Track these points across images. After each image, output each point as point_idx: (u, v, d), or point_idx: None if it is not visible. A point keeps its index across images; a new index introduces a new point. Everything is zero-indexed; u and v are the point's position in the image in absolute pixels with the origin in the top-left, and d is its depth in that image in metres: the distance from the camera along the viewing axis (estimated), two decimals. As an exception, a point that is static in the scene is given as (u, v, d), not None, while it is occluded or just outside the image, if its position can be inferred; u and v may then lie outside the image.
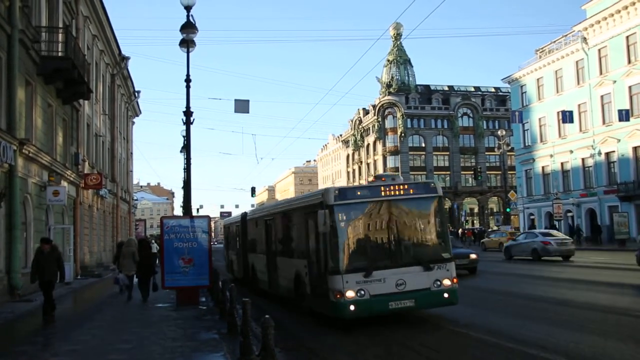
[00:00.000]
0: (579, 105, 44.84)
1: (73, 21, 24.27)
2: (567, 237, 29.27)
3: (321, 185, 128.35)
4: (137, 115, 49.89)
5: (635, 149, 39.65)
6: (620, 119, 38.51)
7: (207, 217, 15.58)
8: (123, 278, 16.85)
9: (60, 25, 21.20)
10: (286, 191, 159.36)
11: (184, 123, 17.59)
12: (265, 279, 16.19)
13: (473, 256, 21.21)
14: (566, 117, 42.63)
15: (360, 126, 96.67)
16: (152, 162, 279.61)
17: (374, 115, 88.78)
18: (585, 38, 43.86)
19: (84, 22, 26.25)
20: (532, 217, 52.00)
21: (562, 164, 47.52)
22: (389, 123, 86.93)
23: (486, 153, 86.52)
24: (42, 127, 19.05)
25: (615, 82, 40.86)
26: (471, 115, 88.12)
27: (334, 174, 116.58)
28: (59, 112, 21.48)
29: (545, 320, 10.60)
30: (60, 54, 19.57)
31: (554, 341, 8.66)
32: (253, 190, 68.16)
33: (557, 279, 18.44)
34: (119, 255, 17.33)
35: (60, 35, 19.95)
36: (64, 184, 21.39)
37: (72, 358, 8.56)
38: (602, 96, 42.52)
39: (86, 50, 25.82)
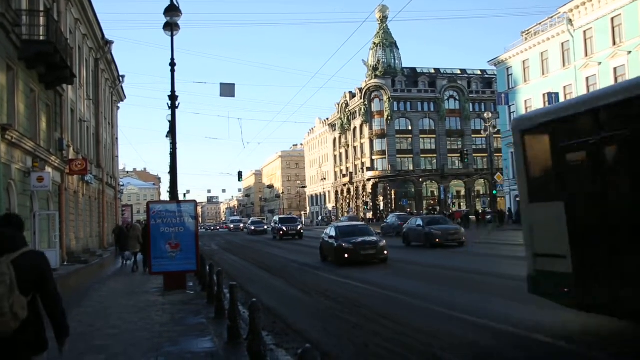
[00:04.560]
0: (564, 87, 45.03)
1: (54, 4, 23.84)
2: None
3: (308, 169, 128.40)
4: (122, 100, 49.45)
5: (619, 130, 39.93)
6: (605, 101, 38.73)
7: (194, 201, 15.56)
8: (129, 254, 22.85)
9: (42, 8, 20.83)
10: (273, 175, 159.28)
11: (169, 107, 17.47)
12: None
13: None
14: (552, 99, 42.81)
15: (347, 110, 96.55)
16: (138, 147, 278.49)
17: (361, 98, 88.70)
18: (570, 20, 43.94)
19: (65, 6, 25.82)
20: (518, 199, 52.35)
21: (547, 145, 47.76)
22: (375, 106, 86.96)
23: (472, 135, 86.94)
24: (24, 112, 18.80)
25: (600, 63, 41.04)
26: (457, 97, 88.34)
27: (320, 157, 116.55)
28: (42, 97, 21.19)
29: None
30: (42, 38, 19.27)
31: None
32: (240, 174, 68.28)
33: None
34: (126, 236, 23.13)
35: (41, 18, 19.62)
36: (49, 169, 21.16)
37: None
38: (587, 78, 42.70)
39: (69, 34, 25.42)
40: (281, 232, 43.66)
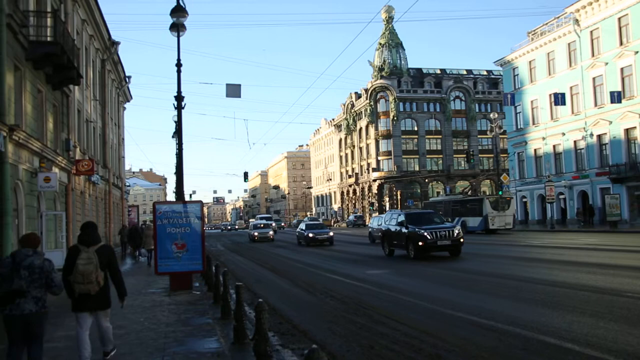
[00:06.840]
0: (571, 88, 44.91)
1: (62, 5, 23.94)
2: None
3: (314, 170, 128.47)
4: (128, 101, 49.63)
5: (626, 130, 39.81)
6: (612, 101, 38.64)
7: (200, 202, 15.54)
8: (145, 252, 24.42)
9: (49, 9, 20.92)
10: (279, 176, 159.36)
11: (175, 108, 17.51)
12: None
13: None
14: (558, 99, 42.70)
15: (353, 110, 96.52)
16: (144, 148, 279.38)
17: (366, 99, 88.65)
18: (577, 20, 43.80)
19: (72, 7, 25.93)
20: (524, 199, 52.24)
21: (554, 146, 47.66)
22: (381, 107, 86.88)
23: (478, 136, 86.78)
24: (32, 113, 18.88)
25: (607, 63, 40.90)
26: (463, 98, 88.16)
27: (326, 158, 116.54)
28: (49, 98, 21.28)
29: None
30: (49, 38, 19.35)
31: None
32: (246, 175, 68.29)
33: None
34: (141, 235, 25.00)
35: (48, 19, 19.70)
36: (55, 170, 21.24)
37: (66, 344, 8.56)
38: (594, 78, 42.58)
39: (75, 35, 25.53)
40: (420, 243, 20.63)
